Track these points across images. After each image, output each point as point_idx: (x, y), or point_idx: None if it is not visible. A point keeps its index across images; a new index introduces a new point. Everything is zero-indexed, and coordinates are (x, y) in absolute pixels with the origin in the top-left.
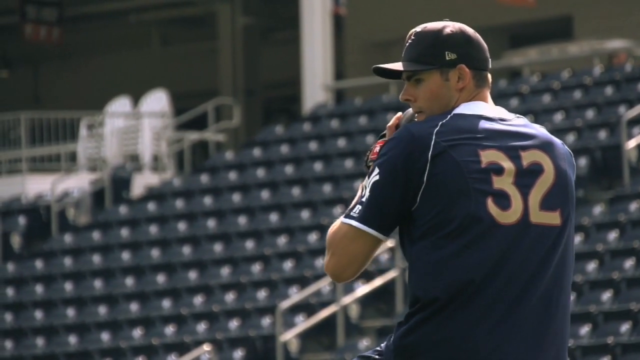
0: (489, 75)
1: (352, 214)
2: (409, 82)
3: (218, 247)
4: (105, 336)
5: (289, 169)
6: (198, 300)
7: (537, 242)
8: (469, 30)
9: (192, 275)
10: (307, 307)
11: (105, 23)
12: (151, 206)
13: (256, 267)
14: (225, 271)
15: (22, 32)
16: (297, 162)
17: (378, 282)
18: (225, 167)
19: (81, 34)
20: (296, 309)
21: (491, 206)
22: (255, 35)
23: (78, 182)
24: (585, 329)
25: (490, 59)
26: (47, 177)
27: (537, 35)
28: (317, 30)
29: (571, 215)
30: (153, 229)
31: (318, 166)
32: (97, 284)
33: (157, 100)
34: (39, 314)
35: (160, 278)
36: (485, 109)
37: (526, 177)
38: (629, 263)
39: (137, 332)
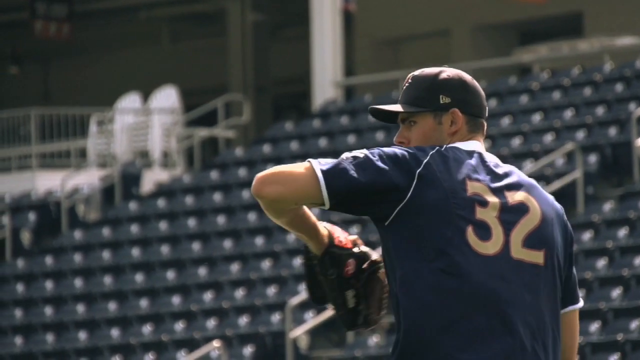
0: (485, 123)
1: (321, 163)
2: (403, 124)
3: (228, 244)
4: (115, 332)
5: None
6: (208, 296)
7: (517, 276)
8: (466, 77)
9: (202, 271)
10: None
11: (115, 19)
12: (161, 202)
13: (266, 264)
14: (234, 267)
15: (32, 28)
16: (307, 159)
17: None
18: (235, 164)
19: (91, 30)
20: (306, 305)
21: (470, 234)
22: (265, 31)
23: (88, 179)
24: (595, 326)
25: (487, 107)
26: (57, 173)
27: (547, 32)
28: (327, 26)
29: (555, 262)
30: (163, 225)
31: None
32: (107, 280)
33: (167, 97)
34: (48, 310)
35: (170, 274)
36: (480, 148)
37: (511, 214)
38: (638, 260)
39: (147, 329)
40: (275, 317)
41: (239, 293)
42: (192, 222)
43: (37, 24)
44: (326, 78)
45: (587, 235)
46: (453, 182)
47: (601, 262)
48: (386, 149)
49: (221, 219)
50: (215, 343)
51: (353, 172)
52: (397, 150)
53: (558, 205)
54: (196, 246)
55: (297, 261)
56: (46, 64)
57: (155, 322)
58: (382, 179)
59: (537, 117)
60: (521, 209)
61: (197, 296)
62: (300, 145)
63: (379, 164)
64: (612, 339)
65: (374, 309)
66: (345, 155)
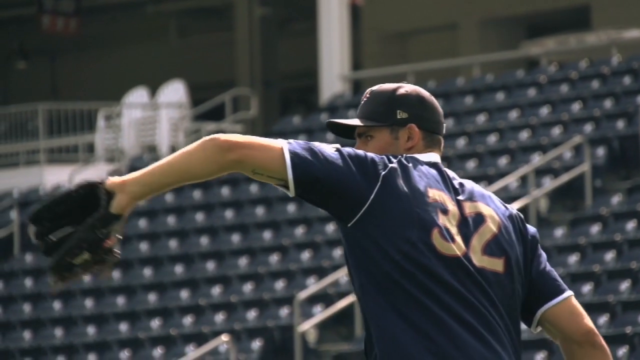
0: (442, 140)
1: (290, 143)
2: (360, 139)
3: (236, 238)
4: (123, 327)
5: None
6: (216, 290)
7: (480, 281)
8: (424, 93)
9: (210, 265)
10: (325, 298)
11: (122, 14)
12: (169, 197)
13: (274, 258)
14: (243, 262)
15: (39, 23)
16: None
17: None
18: None
19: (98, 25)
20: (314, 299)
21: (435, 236)
22: (272, 25)
23: (96, 173)
24: (603, 319)
25: (444, 124)
26: (65, 168)
27: (555, 25)
28: (335, 20)
29: (514, 269)
30: (171, 220)
31: None
32: (116, 274)
33: (175, 91)
34: (57, 305)
35: (178, 269)
36: (437, 159)
37: (468, 224)
38: None
39: (155, 323)
40: (284, 311)
41: (247, 287)
42: (200, 217)
43: (44, 19)
44: (334, 72)
45: (595, 228)
46: (415, 188)
47: (609, 255)
48: (357, 150)
49: (229, 213)
50: (224, 337)
51: (319, 159)
52: (367, 152)
53: (515, 212)
54: (204, 240)
55: (305, 255)
56: (54, 59)
57: (163, 317)
58: (348, 175)
59: (544, 110)
60: (478, 220)
61: (206, 290)
62: (308, 139)
63: (348, 160)
64: (621, 332)
65: (72, 278)
66: (317, 145)
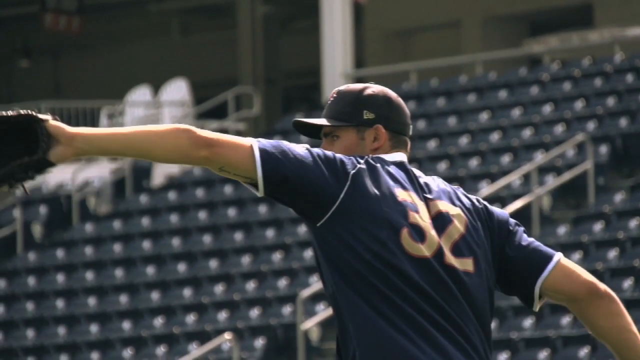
0: (408, 141)
1: (260, 142)
2: (326, 138)
3: (239, 236)
4: (126, 325)
5: None
6: (219, 289)
7: (447, 282)
8: (391, 94)
9: (213, 264)
10: None
11: (125, 12)
12: (172, 195)
13: (277, 256)
14: (246, 260)
15: (42, 21)
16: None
17: None
18: None
19: (101, 23)
20: (317, 297)
21: (404, 237)
22: (275, 24)
23: (99, 172)
24: None
25: (411, 125)
26: (67, 166)
27: (558, 23)
28: (337, 18)
29: (484, 268)
30: (174, 218)
31: None
32: (118, 273)
33: (177, 89)
34: (60, 303)
35: (181, 267)
36: (404, 159)
37: (436, 224)
38: None
39: (158, 321)
40: (287, 309)
41: (250, 285)
42: (202, 215)
43: (47, 17)
44: (336, 70)
45: (598, 226)
46: (383, 188)
47: (612, 253)
48: (326, 151)
49: (232, 212)
50: (227, 335)
51: (289, 158)
52: (335, 154)
53: (481, 206)
54: (207, 239)
55: (308, 253)
56: (57, 57)
57: (166, 315)
58: (318, 174)
59: (547, 108)
60: (445, 220)
61: (208, 288)
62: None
63: (318, 160)
64: None
65: None
66: (286, 144)
